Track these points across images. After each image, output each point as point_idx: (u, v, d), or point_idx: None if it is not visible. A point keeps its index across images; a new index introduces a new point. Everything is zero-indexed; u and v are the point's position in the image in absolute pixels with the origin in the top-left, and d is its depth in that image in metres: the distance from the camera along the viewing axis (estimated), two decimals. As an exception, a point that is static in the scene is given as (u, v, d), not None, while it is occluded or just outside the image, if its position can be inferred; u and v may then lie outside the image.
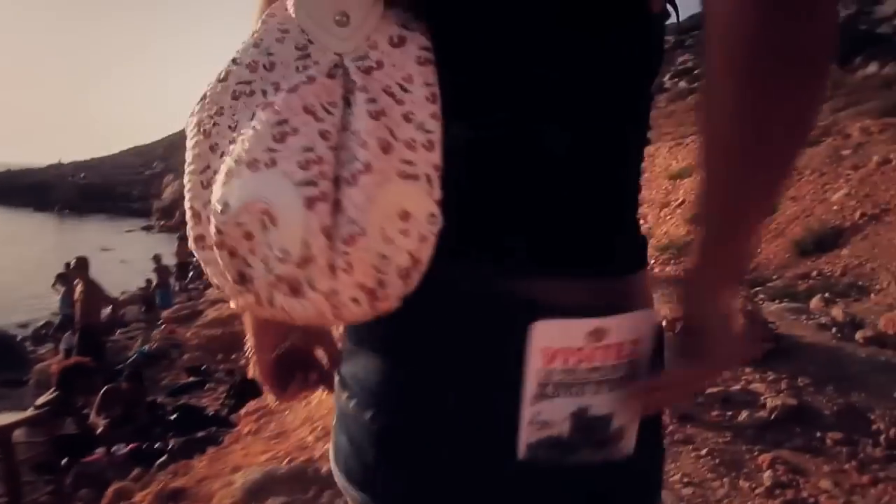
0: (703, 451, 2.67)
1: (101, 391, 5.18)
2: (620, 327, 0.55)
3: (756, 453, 2.67)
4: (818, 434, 2.79)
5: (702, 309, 0.55)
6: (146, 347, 8.08)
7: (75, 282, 7.40)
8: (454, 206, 0.50)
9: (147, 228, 32.21)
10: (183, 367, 7.45)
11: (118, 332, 9.65)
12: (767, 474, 2.49)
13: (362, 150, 0.47)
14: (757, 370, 3.37)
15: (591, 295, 0.55)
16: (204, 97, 0.53)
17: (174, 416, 5.37)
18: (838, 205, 7.82)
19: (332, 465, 0.68)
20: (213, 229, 0.49)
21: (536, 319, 0.53)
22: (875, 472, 2.51)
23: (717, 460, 2.62)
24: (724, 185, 0.51)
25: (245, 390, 5.30)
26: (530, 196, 0.55)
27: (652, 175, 14.91)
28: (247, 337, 0.75)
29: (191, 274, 13.48)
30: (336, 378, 0.70)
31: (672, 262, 10.01)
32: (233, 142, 0.50)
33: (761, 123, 0.47)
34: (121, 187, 43.38)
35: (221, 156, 0.50)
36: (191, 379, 6.99)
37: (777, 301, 5.07)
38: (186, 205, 0.53)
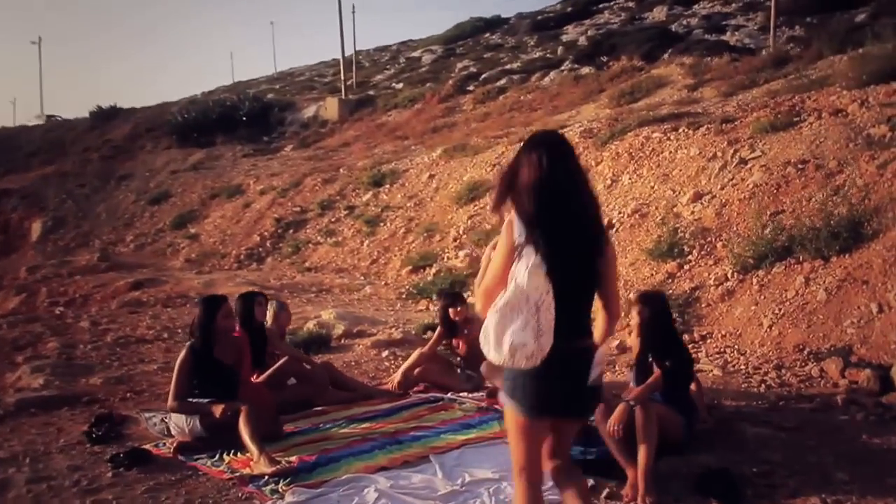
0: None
1: None
2: (599, 351, 2.48)
3: None
4: None
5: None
6: None
7: None
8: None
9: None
10: None
11: None
12: None
13: (543, 327, 2.27)
14: None
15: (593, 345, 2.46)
16: (508, 303, 2.28)
17: None
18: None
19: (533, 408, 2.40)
20: (507, 343, 2.26)
21: (594, 351, 2.46)
22: None
23: None
24: (612, 329, 2.59)
25: None
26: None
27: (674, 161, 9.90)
28: None
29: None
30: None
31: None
32: (517, 319, 2.28)
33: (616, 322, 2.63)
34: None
35: (510, 322, 2.26)
36: None
37: None
38: (494, 328, 2.30)
